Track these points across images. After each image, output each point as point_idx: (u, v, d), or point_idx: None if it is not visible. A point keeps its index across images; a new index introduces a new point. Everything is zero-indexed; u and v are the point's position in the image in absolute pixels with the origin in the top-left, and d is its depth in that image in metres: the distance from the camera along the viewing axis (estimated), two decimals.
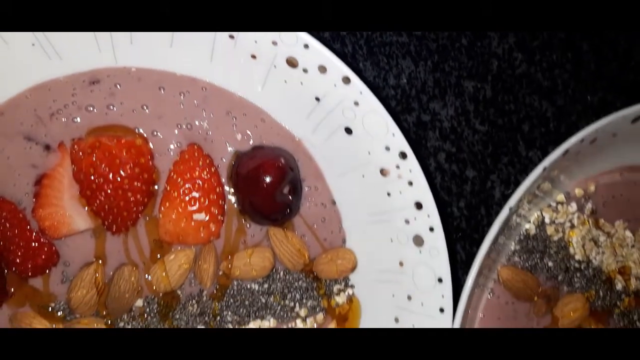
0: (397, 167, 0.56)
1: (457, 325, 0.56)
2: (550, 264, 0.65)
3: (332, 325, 0.62)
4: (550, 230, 0.65)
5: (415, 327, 0.57)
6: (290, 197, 0.58)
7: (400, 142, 0.55)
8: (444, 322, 0.55)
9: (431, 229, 0.56)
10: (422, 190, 0.55)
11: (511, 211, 0.56)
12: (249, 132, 0.60)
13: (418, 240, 0.57)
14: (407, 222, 0.57)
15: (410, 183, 0.56)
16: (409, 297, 0.58)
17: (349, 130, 0.57)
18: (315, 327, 0.61)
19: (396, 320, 0.59)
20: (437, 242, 0.55)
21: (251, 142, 0.60)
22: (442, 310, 0.56)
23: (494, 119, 0.72)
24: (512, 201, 0.56)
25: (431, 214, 0.55)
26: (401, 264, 0.59)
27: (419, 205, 0.56)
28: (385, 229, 0.59)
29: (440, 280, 0.56)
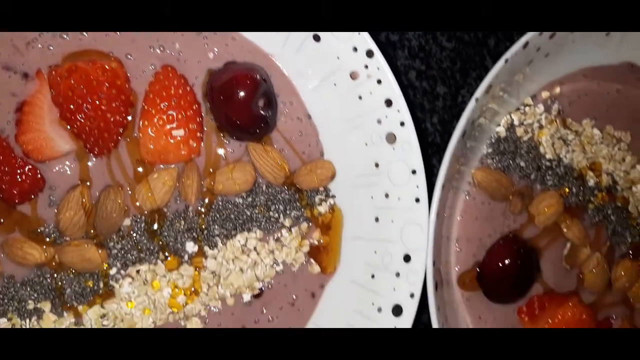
0: (366, 67, 0.58)
1: (432, 217, 0.58)
2: (522, 163, 0.68)
3: (317, 233, 0.64)
4: (519, 131, 0.68)
5: (394, 222, 0.60)
6: (265, 110, 0.61)
7: (366, 40, 0.57)
8: (421, 212, 0.58)
9: (402, 124, 0.58)
10: (391, 87, 0.58)
11: (477, 103, 0.59)
12: (220, 51, 0.62)
13: (390, 138, 0.59)
14: (379, 122, 0.59)
15: (379, 81, 0.58)
16: (387, 195, 0.61)
17: (317, 38, 0.59)
18: (300, 236, 0.64)
19: (376, 219, 0.62)
20: (409, 136, 0.58)
21: (223, 60, 0.62)
22: (417, 200, 0.58)
23: (460, 35, 0.74)
24: (479, 93, 0.59)
25: (401, 108, 0.58)
26: (377, 165, 0.61)
27: (388, 103, 0.58)
28: (359, 134, 0.61)
29: (414, 172, 0.58)
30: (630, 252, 0.71)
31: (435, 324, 0.57)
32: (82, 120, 0.58)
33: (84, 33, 0.59)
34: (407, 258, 0.59)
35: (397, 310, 0.59)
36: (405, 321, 0.58)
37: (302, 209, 0.64)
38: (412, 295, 0.58)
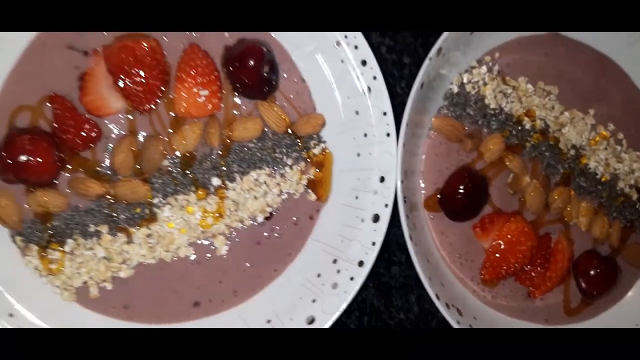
0: (345, 37, 0.77)
1: (400, 147, 0.75)
2: (471, 112, 0.86)
3: (312, 170, 0.82)
4: (468, 87, 0.86)
5: (371, 154, 0.78)
6: (269, 74, 0.78)
7: None
8: (391, 143, 0.76)
9: (374, 78, 0.77)
10: (365, 50, 0.76)
11: (430, 61, 0.77)
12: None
13: (368, 89, 0.77)
14: (357, 78, 0.78)
15: (356, 47, 0.77)
16: (365, 135, 0.79)
17: None
18: (299, 172, 0.81)
19: (358, 154, 0.80)
20: (380, 86, 0.76)
21: (235, 37, 0.80)
22: (388, 134, 0.76)
23: None
24: (432, 53, 0.77)
25: (373, 66, 0.76)
26: (357, 112, 0.79)
27: (364, 63, 0.77)
28: (343, 90, 0.80)
29: (384, 113, 0.76)
30: (563, 180, 0.89)
31: (405, 229, 0.75)
32: (130, 85, 0.76)
33: None
34: (382, 179, 0.77)
35: (376, 218, 0.77)
36: (382, 225, 0.76)
37: (300, 151, 0.82)
38: (386, 205, 0.76)
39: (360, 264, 0.76)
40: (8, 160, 0.73)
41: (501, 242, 0.84)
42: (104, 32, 0.76)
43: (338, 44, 0.77)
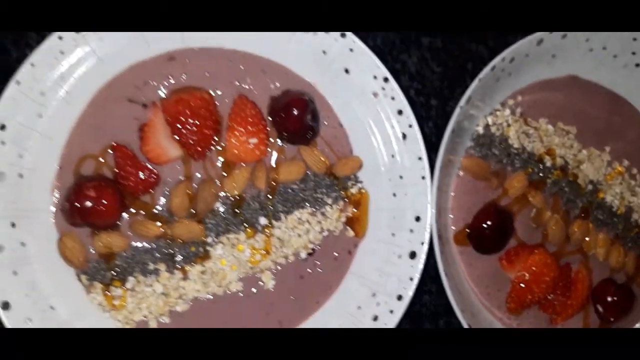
0: (383, 88, 0.83)
1: (434, 190, 0.82)
2: (496, 152, 0.92)
3: (350, 208, 0.89)
4: (493, 129, 0.93)
5: (407, 195, 0.84)
6: (312, 122, 0.85)
7: (383, 70, 0.82)
8: (426, 185, 0.82)
9: (410, 126, 0.83)
10: (402, 101, 0.83)
11: (461, 109, 0.83)
12: (278, 84, 0.87)
13: (402, 137, 0.84)
14: (392, 126, 0.85)
15: (393, 98, 0.84)
16: (401, 177, 0.86)
17: (347, 71, 0.84)
18: (339, 210, 0.88)
19: (394, 194, 0.86)
20: (415, 134, 0.83)
21: (281, 89, 0.87)
22: (423, 177, 0.83)
23: (446, 62, 1.00)
24: (462, 102, 0.83)
25: (409, 116, 0.83)
26: (392, 156, 0.86)
27: (400, 112, 0.84)
28: (379, 136, 0.86)
29: (419, 158, 0.83)
30: (582, 214, 0.96)
31: (440, 265, 0.81)
32: (186, 135, 0.83)
33: (184, 75, 0.84)
34: (417, 218, 0.84)
35: (413, 255, 0.84)
36: (419, 262, 0.82)
37: (339, 191, 0.88)
38: (422, 243, 0.82)
39: (399, 298, 0.83)
40: (76, 205, 0.80)
41: (526, 274, 0.90)
42: (162, 87, 0.83)
43: (375, 95, 0.84)
